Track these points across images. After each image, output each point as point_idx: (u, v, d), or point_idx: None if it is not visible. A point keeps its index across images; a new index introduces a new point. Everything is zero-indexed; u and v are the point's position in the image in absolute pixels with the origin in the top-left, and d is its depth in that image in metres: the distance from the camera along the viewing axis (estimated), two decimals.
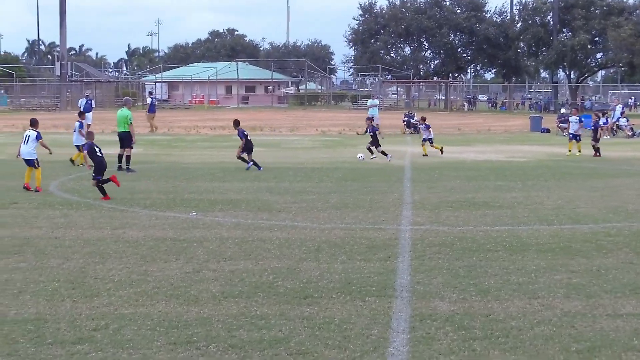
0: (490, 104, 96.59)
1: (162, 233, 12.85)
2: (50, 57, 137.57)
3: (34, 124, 18.29)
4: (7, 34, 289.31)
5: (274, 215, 14.61)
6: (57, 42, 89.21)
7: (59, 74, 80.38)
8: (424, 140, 27.86)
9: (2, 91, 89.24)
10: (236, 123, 23.11)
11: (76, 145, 22.60)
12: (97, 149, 16.61)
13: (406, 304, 8.77)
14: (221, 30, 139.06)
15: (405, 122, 42.81)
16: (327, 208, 15.49)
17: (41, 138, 17.99)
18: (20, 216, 14.23)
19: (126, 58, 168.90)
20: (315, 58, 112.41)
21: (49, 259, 10.84)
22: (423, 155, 27.14)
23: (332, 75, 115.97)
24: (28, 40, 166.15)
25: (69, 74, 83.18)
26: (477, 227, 13.25)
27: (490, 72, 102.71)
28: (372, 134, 25.60)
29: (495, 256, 11.11)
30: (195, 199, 16.57)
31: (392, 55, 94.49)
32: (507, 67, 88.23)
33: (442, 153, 27.26)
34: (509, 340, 7.57)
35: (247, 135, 22.45)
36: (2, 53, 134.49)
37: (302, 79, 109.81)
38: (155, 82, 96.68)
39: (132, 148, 22.25)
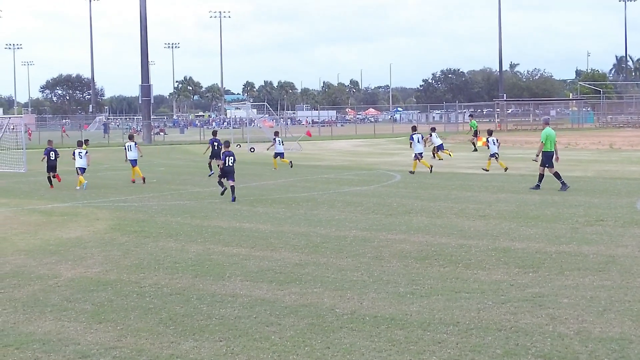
0: None
1: None
2: (638, 73, 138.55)
3: (131, 137, 30.45)
4: (595, 51, 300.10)
5: None
6: None
7: None
8: None
9: (589, 108, 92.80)
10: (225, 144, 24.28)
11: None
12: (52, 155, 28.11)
13: None
14: None
15: None
16: None
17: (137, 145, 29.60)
18: (606, 233, 14.94)
19: None
20: None
21: (634, 278, 11.20)
22: None
23: None
24: (616, 57, 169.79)
25: None
26: None
27: None
28: None
29: None
30: None
31: None
32: None
33: None
34: None
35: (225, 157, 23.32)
36: (589, 70, 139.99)
37: None
38: None
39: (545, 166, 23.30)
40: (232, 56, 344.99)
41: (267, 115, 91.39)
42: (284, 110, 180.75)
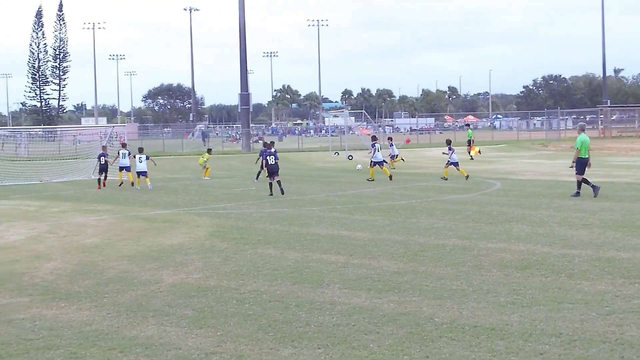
0: None
1: None
2: None
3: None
4: None
5: None
6: None
7: None
8: None
9: None
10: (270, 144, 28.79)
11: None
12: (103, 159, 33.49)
13: None
14: None
15: None
16: None
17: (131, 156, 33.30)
18: None
19: None
20: None
21: None
22: None
23: None
24: None
25: None
26: None
27: None
28: None
29: None
30: None
31: None
32: None
33: None
34: None
35: (266, 157, 27.08)
36: None
37: None
38: None
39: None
40: (330, 64, 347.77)
41: (365, 123, 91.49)
42: (382, 117, 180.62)
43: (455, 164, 31.78)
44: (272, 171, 26.58)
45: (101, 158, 33.58)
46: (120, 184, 33.02)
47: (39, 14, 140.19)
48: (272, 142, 29.58)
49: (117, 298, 11.41)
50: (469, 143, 50.57)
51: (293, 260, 14.01)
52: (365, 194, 26.48)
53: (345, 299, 10.86)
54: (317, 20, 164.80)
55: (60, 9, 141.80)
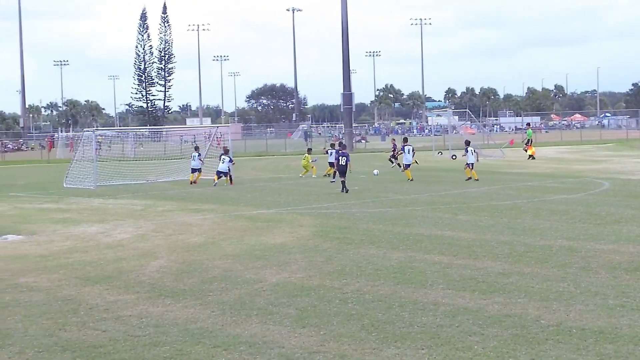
0: None
1: None
2: None
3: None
4: None
5: None
6: None
7: None
8: None
9: None
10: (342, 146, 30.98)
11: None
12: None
13: None
14: None
15: None
16: None
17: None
18: None
19: None
20: None
21: None
22: None
23: None
24: None
25: None
26: None
27: None
28: None
29: None
30: None
31: None
32: None
33: None
34: None
35: (338, 157, 28.97)
36: None
37: None
38: None
39: None
40: (433, 63, 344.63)
41: (469, 122, 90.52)
42: (486, 117, 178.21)
43: (471, 165, 32.01)
44: (341, 171, 28.50)
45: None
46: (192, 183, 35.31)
47: (143, 17, 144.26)
48: (344, 145, 32.88)
49: (222, 296, 11.62)
50: (528, 142, 50.22)
51: (396, 260, 13.99)
52: (469, 194, 26.20)
53: (449, 300, 10.79)
54: (420, 19, 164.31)
55: (164, 11, 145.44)
